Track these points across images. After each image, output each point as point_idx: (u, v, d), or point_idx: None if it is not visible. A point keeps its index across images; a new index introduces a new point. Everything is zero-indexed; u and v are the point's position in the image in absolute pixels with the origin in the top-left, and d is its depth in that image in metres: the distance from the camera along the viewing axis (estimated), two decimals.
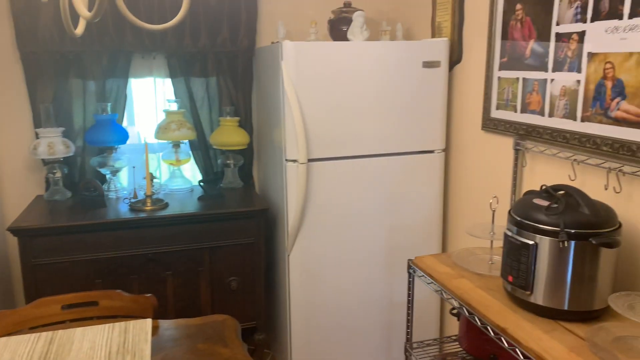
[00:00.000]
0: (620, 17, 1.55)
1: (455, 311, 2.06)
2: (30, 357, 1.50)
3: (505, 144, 2.14)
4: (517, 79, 2.01)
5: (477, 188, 2.36)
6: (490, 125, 2.20)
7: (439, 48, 2.36)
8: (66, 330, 1.67)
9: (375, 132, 2.36)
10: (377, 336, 2.56)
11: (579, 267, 1.44)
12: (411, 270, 1.97)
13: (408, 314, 2.03)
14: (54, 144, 2.48)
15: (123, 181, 2.81)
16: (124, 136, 2.61)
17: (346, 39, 2.44)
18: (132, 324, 1.71)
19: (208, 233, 2.39)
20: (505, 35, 2.08)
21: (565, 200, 1.48)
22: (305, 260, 2.38)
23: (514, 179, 2.04)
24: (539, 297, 1.50)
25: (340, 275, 2.44)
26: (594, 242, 1.40)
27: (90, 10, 1.08)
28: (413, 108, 2.39)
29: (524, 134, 1.99)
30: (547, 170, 1.91)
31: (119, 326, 1.70)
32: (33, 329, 1.76)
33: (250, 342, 2.63)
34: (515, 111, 2.04)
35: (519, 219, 1.53)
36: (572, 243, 1.43)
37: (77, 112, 2.62)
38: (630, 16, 1.52)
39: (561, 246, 1.42)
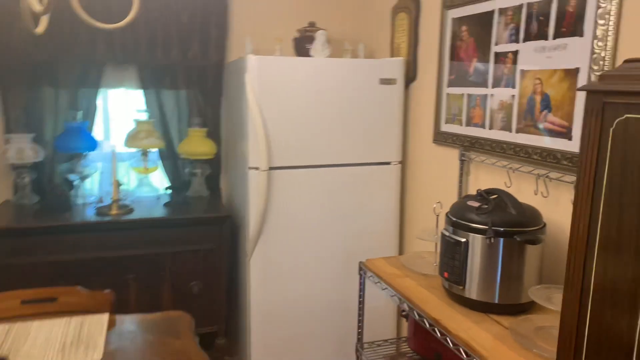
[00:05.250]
0: (546, 38, 1.71)
1: (404, 313, 2.16)
2: None
3: (452, 155, 2.28)
4: (463, 95, 2.17)
5: (429, 196, 2.49)
6: (440, 138, 2.35)
7: (395, 66, 2.52)
8: (23, 322, 1.72)
9: (335, 143, 2.49)
10: (334, 338, 2.63)
11: (506, 262, 1.56)
12: (362, 272, 2.07)
13: (359, 315, 2.12)
14: (23, 149, 2.55)
15: (93, 187, 2.87)
16: (93, 144, 2.69)
17: (309, 56, 2.58)
18: (89, 318, 1.77)
19: (171, 238, 2.47)
20: (453, 56, 2.24)
21: (494, 202, 1.61)
22: (265, 265, 2.47)
23: (460, 187, 2.18)
24: (471, 291, 1.61)
25: (299, 280, 2.53)
26: (518, 239, 1.53)
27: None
28: (371, 122, 2.53)
29: (469, 145, 2.14)
30: (487, 178, 2.05)
31: (75, 320, 1.76)
32: None
33: (212, 347, 2.68)
34: (461, 124, 2.19)
35: (454, 219, 1.66)
36: (500, 240, 1.55)
37: (48, 120, 2.70)
38: (554, 37, 1.68)
39: (489, 242, 1.55)
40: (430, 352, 2.05)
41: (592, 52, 1.53)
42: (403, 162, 2.70)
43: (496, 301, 1.59)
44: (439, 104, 2.34)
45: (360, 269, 2.07)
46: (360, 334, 2.14)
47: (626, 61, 1.06)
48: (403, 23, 2.65)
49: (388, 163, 2.61)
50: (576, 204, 1.13)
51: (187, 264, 2.52)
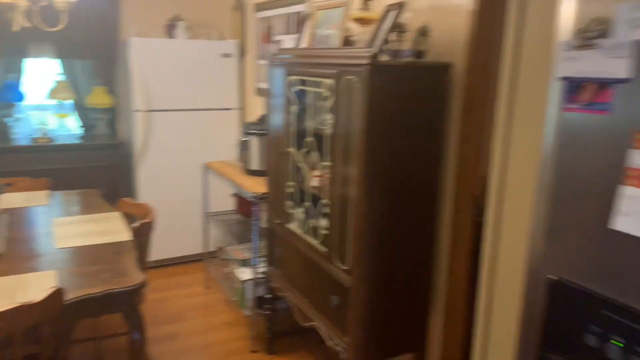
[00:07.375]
0: (294, 33, 3.22)
1: (233, 194, 3.65)
2: None
3: (262, 101, 3.78)
4: (265, 64, 3.65)
5: None
6: (258, 92, 3.83)
7: (231, 46, 3.95)
8: None
9: (192, 94, 3.89)
10: (196, 214, 4.07)
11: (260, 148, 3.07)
12: (205, 169, 3.52)
13: (203, 194, 3.58)
14: None
15: (25, 127, 4.05)
16: (22, 96, 3.88)
17: (173, 38, 3.93)
18: (35, 192, 3.08)
19: (83, 158, 3.77)
20: (260, 40, 3.70)
21: (262, 120, 3.11)
22: (147, 174, 3.85)
23: None
24: (250, 165, 3.12)
25: (170, 181, 3.94)
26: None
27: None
28: (216, 81, 3.95)
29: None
30: None
31: (27, 192, 3.06)
32: None
33: None
34: (265, 82, 3.67)
35: (243, 130, 3.15)
36: (255, 138, 3.06)
37: None
38: (296, 33, 3.19)
39: (254, 138, 3.06)
40: (247, 213, 3.57)
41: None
42: (242, 108, 4.17)
43: (264, 169, 3.10)
44: (256, 70, 3.82)
45: (204, 166, 3.52)
46: (206, 207, 3.60)
47: (281, 49, 2.57)
48: (238, 17, 4.08)
49: (230, 109, 4.06)
50: (284, 132, 2.64)
51: (98, 175, 3.82)
